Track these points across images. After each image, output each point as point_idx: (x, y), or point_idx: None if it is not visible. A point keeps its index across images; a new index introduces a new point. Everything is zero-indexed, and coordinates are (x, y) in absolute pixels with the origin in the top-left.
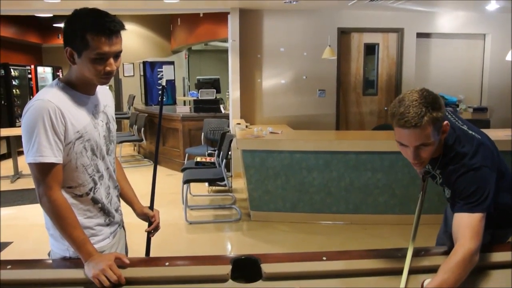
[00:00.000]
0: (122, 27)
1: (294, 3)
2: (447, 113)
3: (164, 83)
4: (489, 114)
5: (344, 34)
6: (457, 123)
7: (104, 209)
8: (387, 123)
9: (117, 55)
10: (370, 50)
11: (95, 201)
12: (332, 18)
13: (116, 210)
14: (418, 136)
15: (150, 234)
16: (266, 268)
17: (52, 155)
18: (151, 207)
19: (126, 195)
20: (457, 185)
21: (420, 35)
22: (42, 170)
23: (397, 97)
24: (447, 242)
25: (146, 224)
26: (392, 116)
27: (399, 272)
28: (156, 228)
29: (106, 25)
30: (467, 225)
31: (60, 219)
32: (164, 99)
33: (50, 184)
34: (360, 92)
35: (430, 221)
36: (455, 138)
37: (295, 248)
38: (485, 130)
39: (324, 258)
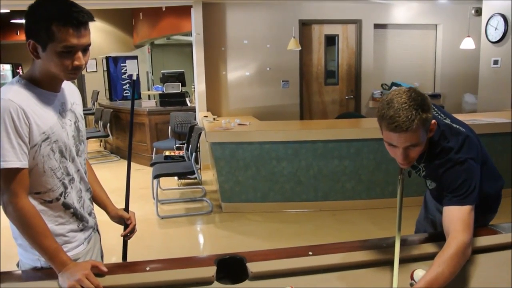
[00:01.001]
0: (91, 18)
1: None
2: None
3: (134, 77)
4: (442, 100)
5: (305, 26)
6: (440, 117)
7: (76, 214)
8: (349, 111)
9: (85, 48)
10: (331, 41)
11: (66, 206)
12: (294, 10)
13: (90, 214)
14: (409, 138)
15: (126, 237)
16: (252, 267)
17: (16, 159)
18: (126, 208)
19: (98, 198)
20: (444, 179)
21: (377, 26)
22: (6, 176)
23: (384, 98)
24: (428, 228)
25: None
26: (381, 118)
27: (387, 262)
28: (133, 231)
29: (74, 15)
30: (458, 218)
31: (29, 228)
32: (128, 94)
33: (16, 190)
34: (322, 82)
35: (406, 203)
36: (440, 133)
37: (269, 238)
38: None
39: (310, 253)
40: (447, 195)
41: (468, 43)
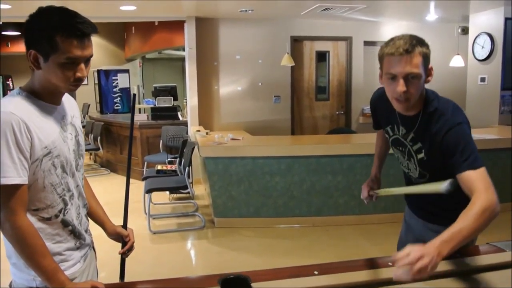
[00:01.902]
0: (95, 30)
1: (249, 12)
2: None
3: (135, 91)
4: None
5: (296, 42)
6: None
7: (74, 231)
8: (340, 127)
9: (87, 60)
10: (321, 57)
11: (65, 224)
12: (286, 26)
13: (86, 231)
14: (409, 63)
15: (124, 255)
16: (257, 287)
17: (17, 175)
18: (125, 225)
19: (95, 214)
20: (446, 143)
21: (367, 43)
22: (5, 193)
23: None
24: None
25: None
26: (382, 51)
27: (393, 282)
28: (131, 248)
29: (79, 27)
30: (476, 179)
31: (27, 247)
32: (120, 107)
33: (14, 208)
34: (313, 98)
35: (388, 219)
36: (436, 96)
37: (262, 254)
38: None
39: (316, 272)
40: (455, 162)
41: (457, 61)
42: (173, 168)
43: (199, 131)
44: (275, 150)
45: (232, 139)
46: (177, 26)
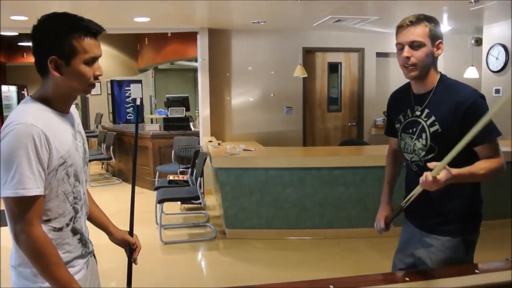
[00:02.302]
0: (103, 29)
1: (262, 23)
2: None
3: (138, 102)
4: None
5: (308, 53)
6: None
7: (82, 240)
8: (352, 138)
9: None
10: (334, 68)
11: (74, 232)
12: (298, 38)
13: (88, 237)
14: (413, 32)
15: (134, 262)
16: None
17: (36, 187)
18: (131, 232)
19: (99, 219)
20: (471, 114)
21: (379, 54)
22: (22, 204)
23: None
24: (409, 264)
25: (114, 246)
26: (396, 28)
27: None
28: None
29: (90, 27)
30: (491, 149)
31: (42, 258)
32: (132, 117)
33: (31, 219)
34: (325, 109)
35: (365, 234)
36: (454, 80)
37: (273, 266)
38: None
39: (331, 287)
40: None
41: (471, 72)
42: (185, 178)
43: (211, 141)
44: (287, 161)
45: (244, 150)
46: (189, 37)
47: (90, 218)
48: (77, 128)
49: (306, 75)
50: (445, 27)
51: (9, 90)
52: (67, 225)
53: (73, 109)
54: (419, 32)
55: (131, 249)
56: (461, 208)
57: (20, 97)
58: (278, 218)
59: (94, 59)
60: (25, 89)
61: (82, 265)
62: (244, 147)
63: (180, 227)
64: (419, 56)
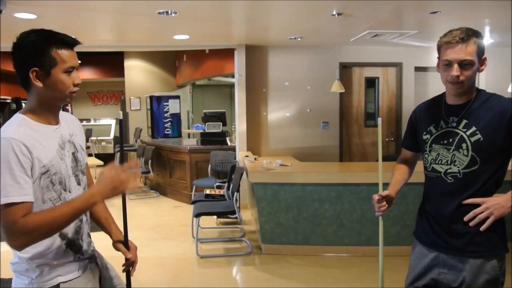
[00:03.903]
0: (78, 41)
1: (299, 39)
2: None
3: (121, 117)
4: None
5: (345, 68)
6: None
7: (71, 245)
8: (389, 154)
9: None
10: (371, 83)
11: (62, 237)
12: (334, 53)
13: (88, 246)
14: (463, 50)
15: (125, 271)
16: None
17: (18, 194)
18: (126, 241)
19: (104, 222)
20: None
21: (418, 68)
22: (9, 212)
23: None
24: None
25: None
26: (440, 40)
27: None
28: (132, 264)
29: (67, 39)
30: None
31: (49, 222)
32: (170, 132)
33: (15, 219)
34: (362, 124)
35: (404, 253)
36: (492, 92)
37: (311, 283)
38: None
39: None
40: None
41: None
42: (222, 192)
43: (247, 156)
44: (325, 177)
45: (281, 165)
46: (227, 53)
47: (96, 221)
48: (69, 138)
49: (343, 90)
50: (487, 40)
51: None
52: None
53: (72, 120)
54: (470, 51)
55: (127, 260)
56: (493, 226)
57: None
58: (315, 234)
59: (72, 68)
60: (69, 105)
61: (75, 268)
62: (281, 162)
63: (216, 241)
64: (468, 75)
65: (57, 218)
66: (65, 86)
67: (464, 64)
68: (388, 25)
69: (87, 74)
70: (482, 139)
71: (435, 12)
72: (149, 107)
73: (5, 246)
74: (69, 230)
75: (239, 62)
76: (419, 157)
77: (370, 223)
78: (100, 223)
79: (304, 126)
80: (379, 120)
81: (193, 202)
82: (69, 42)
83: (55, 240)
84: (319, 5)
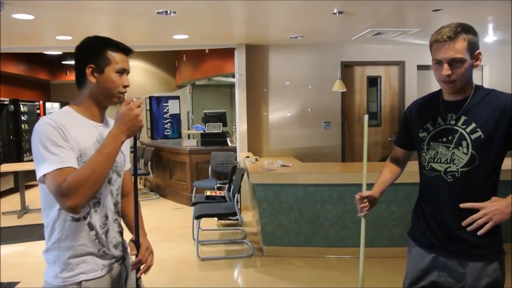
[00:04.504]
0: (132, 50)
1: (299, 38)
2: None
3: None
4: None
5: (347, 67)
6: None
7: (98, 238)
8: None
9: (128, 74)
10: (373, 82)
11: (90, 227)
12: (336, 52)
13: (115, 247)
14: (453, 48)
15: (135, 271)
16: None
17: (60, 162)
18: (136, 240)
19: (130, 222)
20: None
21: (420, 67)
22: (53, 178)
23: None
24: None
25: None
26: (430, 40)
27: None
28: (141, 263)
29: (121, 45)
30: None
31: (88, 174)
32: (170, 133)
33: (60, 182)
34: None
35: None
36: (491, 88)
37: (313, 285)
38: (508, 159)
39: None
40: None
41: None
42: (222, 194)
43: (248, 157)
44: (327, 177)
45: (282, 165)
46: (227, 53)
47: (123, 218)
48: None
49: (345, 90)
50: (490, 37)
51: (53, 107)
52: (84, 217)
53: None
54: (459, 48)
55: (137, 256)
56: (492, 229)
57: None
58: (317, 236)
59: (124, 71)
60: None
61: (98, 266)
62: (282, 162)
63: (217, 243)
64: (460, 73)
65: (93, 167)
66: (115, 85)
67: (454, 62)
68: (389, 23)
69: None
70: (482, 136)
71: (437, 10)
72: (148, 107)
73: (4, 249)
74: (96, 221)
75: (239, 61)
76: (411, 157)
77: (373, 224)
78: (128, 225)
79: (305, 126)
80: (366, 117)
81: (194, 204)
82: (123, 48)
83: (83, 228)
84: (320, 4)
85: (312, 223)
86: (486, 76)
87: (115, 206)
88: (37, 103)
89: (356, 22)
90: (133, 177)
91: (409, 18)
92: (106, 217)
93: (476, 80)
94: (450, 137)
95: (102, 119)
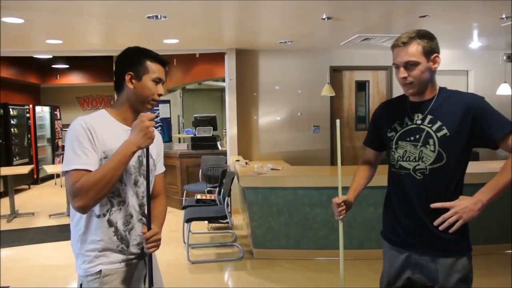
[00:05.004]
0: (168, 62)
1: (289, 43)
2: None
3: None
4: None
5: (336, 72)
6: None
7: (117, 234)
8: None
9: (163, 84)
10: (361, 87)
11: (110, 223)
12: (325, 57)
13: (138, 245)
14: (406, 52)
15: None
16: None
17: (80, 163)
18: (148, 226)
19: (152, 218)
20: (481, 113)
21: None
22: (70, 176)
23: None
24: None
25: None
26: (391, 46)
27: None
28: (151, 242)
29: (159, 57)
30: None
31: (99, 178)
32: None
33: (75, 183)
34: (353, 128)
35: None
36: (455, 90)
37: (303, 287)
38: (474, 163)
39: None
40: (493, 129)
41: (504, 89)
42: (212, 197)
43: (238, 160)
44: (316, 180)
45: (272, 169)
46: (217, 57)
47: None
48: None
49: (334, 94)
50: (475, 43)
51: (43, 111)
52: (104, 215)
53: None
54: (412, 52)
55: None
56: (461, 227)
57: (53, 117)
58: (306, 238)
59: (160, 80)
60: (58, 109)
61: (117, 259)
62: (272, 166)
63: (208, 247)
64: (415, 75)
65: (104, 172)
66: (151, 92)
67: (409, 65)
68: (377, 29)
69: (76, 78)
70: (448, 133)
71: (424, 16)
72: None
73: (4, 252)
74: (118, 219)
75: (229, 66)
76: (381, 158)
77: (361, 226)
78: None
79: (295, 130)
80: (337, 121)
81: (184, 207)
82: (160, 59)
83: (103, 225)
84: (309, 9)
85: (301, 226)
86: (471, 81)
87: (140, 207)
88: (27, 107)
89: (345, 27)
90: (155, 179)
91: (396, 24)
92: (131, 216)
93: (461, 85)
94: (417, 136)
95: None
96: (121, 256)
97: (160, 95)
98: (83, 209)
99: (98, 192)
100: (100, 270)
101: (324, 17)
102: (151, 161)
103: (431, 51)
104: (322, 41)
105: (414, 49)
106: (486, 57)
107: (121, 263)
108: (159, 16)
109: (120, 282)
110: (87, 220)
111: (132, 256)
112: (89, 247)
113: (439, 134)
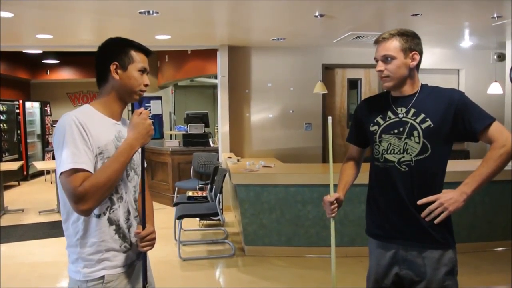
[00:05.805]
0: (151, 51)
1: (281, 40)
2: None
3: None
4: (467, 144)
5: (328, 70)
6: None
7: (119, 231)
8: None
9: (148, 73)
10: (353, 85)
11: (110, 222)
12: (317, 54)
13: (136, 244)
14: (384, 47)
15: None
16: None
17: (80, 161)
18: (143, 223)
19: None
20: (462, 107)
21: None
22: (71, 179)
23: None
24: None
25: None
26: (374, 43)
27: None
28: (146, 241)
29: (143, 47)
30: (494, 131)
31: (103, 180)
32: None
33: (77, 186)
34: (345, 125)
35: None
36: (436, 86)
37: (294, 284)
38: (464, 161)
39: None
40: (474, 121)
41: (495, 88)
42: (204, 194)
43: (230, 157)
44: (308, 178)
45: (264, 166)
46: (210, 54)
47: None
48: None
49: (326, 92)
50: (466, 42)
51: (33, 107)
52: (104, 213)
53: None
54: (389, 47)
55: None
56: (445, 220)
57: (43, 113)
58: (298, 236)
59: (145, 70)
60: (48, 105)
61: (120, 262)
62: (264, 163)
63: (199, 244)
64: (390, 69)
65: (109, 174)
66: (137, 83)
67: (386, 59)
68: (370, 27)
69: (66, 74)
70: (432, 125)
71: (416, 15)
72: (130, 108)
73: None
74: (120, 216)
75: (221, 63)
76: (365, 154)
77: (353, 224)
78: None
79: (287, 128)
80: (329, 119)
81: (175, 204)
82: (144, 49)
83: (104, 224)
84: (302, 7)
85: (293, 223)
86: (462, 80)
87: (135, 202)
88: (17, 103)
89: (337, 25)
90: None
91: (389, 22)
92: (129, 212)
93: (452, 84)
94: (401, 129)
95: (119, 117)
96: (125, 258)
97: (146, 85)
98: (88, 213)
99: (103, 194)
100: (103, 276)
101: (316, 14)
102: (137, 155)
103: (409, 48)
104: (314, 39)
105: (392, 45)
106: (477, 56)
107: (123, 266)
108: (151, 12)
109: (123, 286)
110: (86, 221)
111: (135, 257)
112: (90, 250)
113: (423, 126)
